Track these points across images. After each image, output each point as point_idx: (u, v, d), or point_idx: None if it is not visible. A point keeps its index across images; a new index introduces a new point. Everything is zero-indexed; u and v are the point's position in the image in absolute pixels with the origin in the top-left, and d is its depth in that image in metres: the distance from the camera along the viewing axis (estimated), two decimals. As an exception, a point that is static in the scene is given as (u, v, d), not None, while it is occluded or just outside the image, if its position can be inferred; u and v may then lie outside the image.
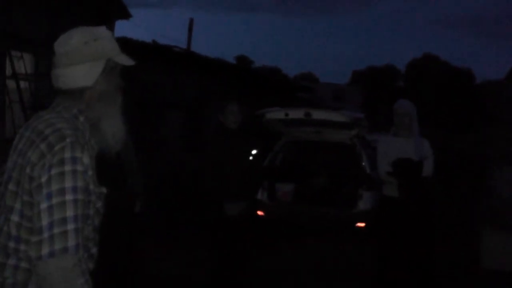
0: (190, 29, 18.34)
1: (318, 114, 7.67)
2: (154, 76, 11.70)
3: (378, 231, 5.06)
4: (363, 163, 7.75)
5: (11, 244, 1.70)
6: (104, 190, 1.91)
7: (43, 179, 1.65)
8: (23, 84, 8.75)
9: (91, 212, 1.81)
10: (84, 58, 1.84)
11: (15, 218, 1.71)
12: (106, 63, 1.87)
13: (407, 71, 53.73)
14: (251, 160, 4.83)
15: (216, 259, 4.68)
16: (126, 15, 11.49)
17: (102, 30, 1.92)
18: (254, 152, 4.94)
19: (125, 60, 1.93)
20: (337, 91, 35.25)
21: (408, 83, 51.33)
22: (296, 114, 7.76)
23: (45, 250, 1.60)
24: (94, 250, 1.89)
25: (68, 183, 1.66)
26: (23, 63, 8.82)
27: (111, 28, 11.46)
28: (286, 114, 7.79)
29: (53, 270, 1.60)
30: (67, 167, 1.67)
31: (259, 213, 8.14)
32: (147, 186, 8.52)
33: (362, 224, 7.39)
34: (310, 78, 58.16)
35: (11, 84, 8.83)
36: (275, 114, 7.97)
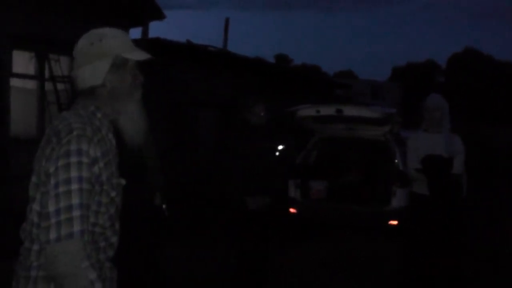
0: (226, 29, 18.45)
1: (349, 111, 7.60)
2: (189, 75, 11.82)
3: (407, 228, 4.98)
4: (396, 160, 7.63)
5: (34, 231, 1.82)
6: (122, 181, 1.99)
7: (51, 169, 1.75)
8: (60, 86, 9.00)
9: (105, 200, 1.88)
10: (90, 58, 1.91)
11: (36, 207, 1.82)
12: (114, 61, 1.92)
13: (448, 66, 52.58)
14: (276, 156, 4.84)
15: (237, 254, 4.70)
16: (160, 16, 11.64)
17: (108, 29, 1.98)
18: (280, 148, 4.94)
19: (137, 55, 1.97)
20: (375, 87, 34.81)
21: (449, 78, 50.21)
22: (328, 111, 7.72)
23: (52, 235, 1.70)
24: (114, 239, 1.97)
25: (74, 173, 1.74)
26: (59, 66, 9.06)
27: (145, 29, 11.64)
28: (318, 111, 7.76)
29: (59, 253, 1.70)
30: (73, 159, 1.75)
31: (292, 210, 8.15)
32: (177, 184, 8.66)
33: (394, 222, 7.28)
34: (350, 76, 57.65)
35: (49, 86, 9.09)
36: (307, 111, 7.94)
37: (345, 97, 21.45)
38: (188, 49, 12.05)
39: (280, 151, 4.99)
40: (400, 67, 56.02)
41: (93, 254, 1.82)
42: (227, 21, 18.89)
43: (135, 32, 23.02)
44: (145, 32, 11.57)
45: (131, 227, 3.51)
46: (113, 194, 1.92)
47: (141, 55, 1.97)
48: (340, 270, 6.11)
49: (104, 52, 1.91)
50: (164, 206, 8.00)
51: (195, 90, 11.95)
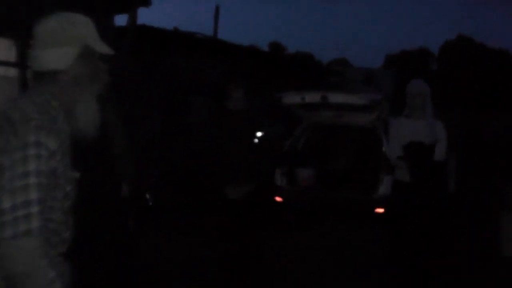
0: (216, 16, 18.34)
1: (335, 98, 7.51)
2: (178, 63, 11.68)
3: (390, 216, 4.92)
4: (384, 147, 7.56)
5: None
6: (76, 175, 1.93)
7: (7, 162, 1.67)
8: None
9: (59, 195, 1.82)
10: (59, 41, 1.85)
11: None
12: (83, 49, 1.88)
13: (440, 53, 52.47)
14: (255, 143, 4.74)
15: (220, 245, 4.63)
16: (146, 3, 11.46)
17: (80, 16, 1.94)
18: (259, 134, 4.84)
19: (104, 49, 1.94)
20: (368, 75, 34.68)
21: (442, 66, 50.13)
22: (313, 97, 7.62)
23: (8, 232, 1.62)
24: (66, 234, 1.91)
25: (32, 167, 1.67)
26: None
27: (133, 16, 11.46)
28: (303, 98, 7.66)
29: (15, 251, 1.63)
30: (31, 151, 1.68)
31: (278, 199, 8.06)
32: (166, 173, 8.56)
33: (381, 210, 7.22)
34: (344, 63, 57.46)
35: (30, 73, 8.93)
36: (292, 98, 7.85)
37: (338, 85, 21.34)
38: (176, 37, 11.92)
39: (260, 138, 4.87)
40: (394, 55, 55.91)
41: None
42: (217, 8, 18.82)
43: (121, 19, 22.62)
44: (133, 19, 11.39)
45: (88, 220, 3.42)
46: (68, 188, 1.86)
47: (106, 49, 1.95)
48: (326, 258, 6.06)
49: (75, 38, 1.87)
50: (147, 195, 7.92)
51: (185, 78, 11.81)
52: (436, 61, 53.52)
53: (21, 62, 8.93)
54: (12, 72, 8.98)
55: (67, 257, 1.92)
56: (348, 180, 7.95)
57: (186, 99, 11.75)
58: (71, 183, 1.88)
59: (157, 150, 9.10)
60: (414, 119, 4.68)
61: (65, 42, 1.85)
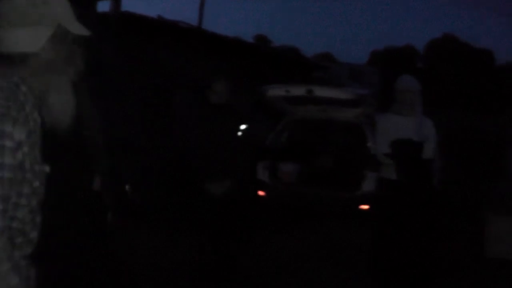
0: (201, 6, 18.09)
1: (320, 91, 7.34)
2: (161, 53, 11.41)
3: (375, 214, 4.77)
4: (369, 143, 7.41)
5: None
6: (46, 168, 1.74)
7: None
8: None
9: (26, 191, 1.63)
10: (30, 20, 1.66)
11: None
12: (56, 30, 1.69)
13: (426, 52, 52.63)
14: (238, 137, 4.56)
15: (202, 244, 4.43)
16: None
17: None
18: (243, 127, 4.66)
19: (78, 29, 1.75)
20: (353, 71, 34.61)
21: (427, 64, 50.28)
22: (298, 91, 7.45)
23: None
24: (33, 234, 1.72)
25: None
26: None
27: (117, 3, 11.16)
28: (287, 91, 7.48)
29: None
30: None
31: (260, 193, 7.90)
32: (148, 169, 8.31)
33: (365, 207, 7.08)
34: (329, 58, 57.33)
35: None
36: (276, 91, 7.67)
37: (324, 79, 21.22)
38: (159, 25, 11.66)
39: (243, 131, 4.69)
40: (379, 51, 55.94)
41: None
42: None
43: (103, 6, 22.07)
44: (115, 5, 11.09)
45: (57, 218, 3.19)
46: (36, 183, 1.67)
47: (81, 30, 1.76)
48: (309, 256, 5.93)
49: (47, 18, 1.67)
50: (127, 187, 7.66)
51: (167, 69, 11.55)
52: (421, 59, 53.71)
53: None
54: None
55: (34, 259, 1.73)
56: (332, 176, 7.80)
57: (169, 90, 11.50)
58: (39, 178, 1.69)
59: (138, 143, 8.85)
60: (402, 116, 4.51)
61: (36, 21, 1.66)
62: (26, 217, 1.65)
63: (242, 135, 4.67)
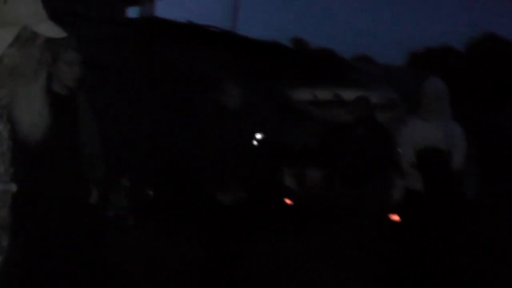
0: (234, 10, 18.08)
1: (347, 95, 7.08)
2: (189, 57, 11.31)
3: (399, 227, 4.49)
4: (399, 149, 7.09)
5: None
6: (13, 187, 1.59)
7: None
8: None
9: None
10: None
11: None
12: (20, 32, 1.50)
13: (466, 51, 51.36)
14: (252, 143, 4.35)
15: (207, 253, 4.23)
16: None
17: None
18: (258, 136, 4.45)
19: (49, 31, 1.56)
20: (389, 72, 34.11)
21: (467, 64, 49.04)
22: (325, 94, 7.20)
23: None
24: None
25: None
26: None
27: (151, 8, 11.13)
28: (314, 95, 7.25)
29: None
30: None
31: (287, 201, 7.72)
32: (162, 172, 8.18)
33: (395, 216, 6.76)
34: (365, 59, 56.59)
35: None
36: (303, 94, 7.45)
37: (357, 81, 20.80)
38: (188, 30, 11.57)
39: (258, 137, 4.49)
40: (417, 51, 54.91)
41: None
42: (235, 2, 18.56)
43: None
44: (149, 10, 11.08)
45: (36, 237, 3.05)
46: None
47: (54, 31, 1.57)
48: (329, 264, 5.76)
49: (8, 19, 1.49)
50: (148, 189, 7.55)
51: (194, 72, 11.45)
52: (461, 59, 52.41)
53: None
54: None
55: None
56: (361, 183, 7.50)
57: (193, 94, 11.41)
58: (2, 199, 1.55)
59: (158, 146, 8.76)
60: (429, 122, 4.21)
61: None
62: None
63: (257, 141, 4.46)
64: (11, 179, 1.60)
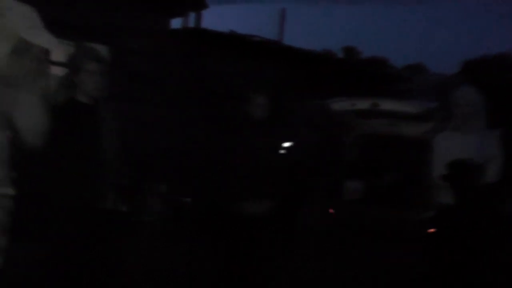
0: (281, 20, 18.13)
1: (386, 105, 6.93)
2: (230, 67, 11.38)
3: (430, 242, 4.32)
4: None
5: None
6: (9, 191, 1.64)
7: None
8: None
9: None
10: None
11: None
12: (16, 44, 1.57)
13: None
14: (281, 154, 4.30)
15: (239, 264, 4.18)
16: (201, 6, 11.24)
17: (14, 3, 1.62)
18: (286, 145, 4.40)
19: (45, 42, 1.63)
20: (441, 82, 33.25)
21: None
22: (363, 104, 7.08)
23: None
24: None
25: None
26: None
27: (185, 19, 11.27)
28: (353, 104, 7.14)
29: None
30: None
31: (330, 211, 7.62)
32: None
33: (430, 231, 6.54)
34: (419, 69, 55.57)
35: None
36: (341, 104, 7.34)
37: (405, 91, 20.40)
38: (231, 40, 11.66)
39: (287, 148, 4.44)
40: (472, 60, 53.45)
41: None
42: (282, 12, 18.58)
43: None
44: (185, 22, 11.24)
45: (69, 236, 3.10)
46: None
47: (50, 42, 1.65)
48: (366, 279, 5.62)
49: (6, 31, 1.57)
50: (188, 199, 7.61)
51: (236, 82, 11.50)
52: (517, 68, 50.56)
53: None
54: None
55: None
56: (400, 195, 7.32)
57: (229, 105, 11.45)
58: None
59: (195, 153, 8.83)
60: (462, 133, 4.04)
61: None
62: None
63: (286, 152, 4.40)
64: (13, 183, 1.65)
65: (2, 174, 1.60)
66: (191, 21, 11.32)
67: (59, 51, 1.73)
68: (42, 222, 3.11)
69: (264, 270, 4.21)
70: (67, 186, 3.19)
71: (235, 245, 4.13)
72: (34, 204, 2.92)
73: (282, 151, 4.37)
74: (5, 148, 1.61)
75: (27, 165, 1.84)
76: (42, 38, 1.62)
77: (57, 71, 4.09)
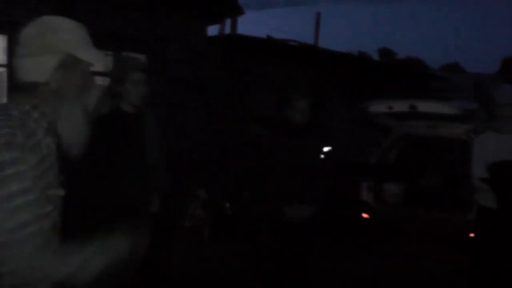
0: (317, 24, 18.11)
1: (424, 106, 6.86)
2: (267, 71, 11.44)
3: (470, 246, 4.28)
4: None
5: None
6: (61, 192, 1.76)
7: None
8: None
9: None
10: (38, 50, 1.68)
11: None
12: (64, 58, 1.69)
13: None
14: (321, 159, 4.31)
15: (278, 271, 4.21)
16: (238, 13, 11.32)
17: (63, 20, 1.75)
18: (326, 149, 4.41)
19: (92, 56, 1.75)
20: (477, 81, 32.43)
21: None
22: (401, 106, 7.03)
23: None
24: None
25: (15, 187, 1.53)
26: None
27: (222, 25, 11.39)
28: (390, 107, 7.10)
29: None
30: (10, 170, 1.53)
31: (364, 215, 7.57)
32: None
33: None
34: (455, 68, 54.55)
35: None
36: (379, 107, 7.31)
37: (442, 91, 20.06)
38: (267, 45, 11.72)
39: (326, 153, 4.44)
40: (510, 58, 52.01)
41: None
42: (318, 15, 18.54)
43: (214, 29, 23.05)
44: (221, 29, 11.35)
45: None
46: (48, 208, 1.67)
47: (96, 56, 1.76)
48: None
49: (54, 47, 1.68)
50: (227, 205, 7.67)
51: (272, 85, 11.56)
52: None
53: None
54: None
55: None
56: (440, 198, 7.23)
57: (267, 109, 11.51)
58: (53, 202, 1.71)
59: (234, 159, 8.90)
60: (503, 134, 4.00)
61: (43, 50, 1.67)
62: None
63: (325, 157, 4.40)
64: (61, 185, 1.77)
65: (53, 177, 1.71)
66: (227, 28, 11.43)
67: (103, 62, 1.81)
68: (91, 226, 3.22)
69: (305, 275, 4.24)
70: (114, 191, 3.31)
71: (276, 251, 4.16)
72: (83, 208, 3.04)
73: (322, 156, 4.37)
74: (54, 154, 1.73)
75: (75, 171, 1.95)
76: (89, 53, 1.74)
77: (102, 82, 4.26)
